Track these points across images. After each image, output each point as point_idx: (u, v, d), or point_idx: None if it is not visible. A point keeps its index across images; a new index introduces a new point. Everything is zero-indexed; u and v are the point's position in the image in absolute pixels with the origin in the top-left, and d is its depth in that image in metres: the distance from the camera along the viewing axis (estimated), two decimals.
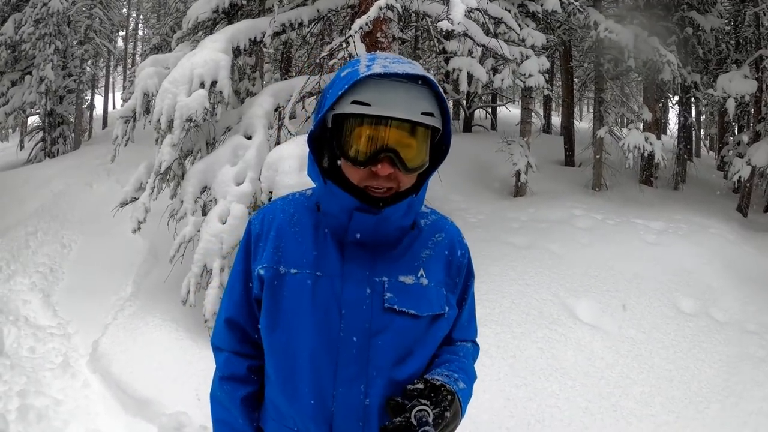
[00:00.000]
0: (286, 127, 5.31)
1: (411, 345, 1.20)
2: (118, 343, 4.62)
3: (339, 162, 1.16)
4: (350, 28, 4.77)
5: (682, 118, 11.09)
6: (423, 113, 1.10)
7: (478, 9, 4.01)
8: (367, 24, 3.94)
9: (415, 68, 1.11)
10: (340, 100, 1.11)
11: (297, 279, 1.19)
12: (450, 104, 15.21)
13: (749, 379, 4.21)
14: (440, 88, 1.15)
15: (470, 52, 6.48)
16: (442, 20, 3.70)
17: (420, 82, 1.12)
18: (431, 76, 1.12)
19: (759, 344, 4.60)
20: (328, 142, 1.19)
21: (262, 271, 1.22)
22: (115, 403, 3.93)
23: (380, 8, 3.81)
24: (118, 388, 4.05)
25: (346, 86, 1.08)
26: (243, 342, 1.31)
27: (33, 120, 16.13)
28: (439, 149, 1.22)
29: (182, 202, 4.98)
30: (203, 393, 3.70)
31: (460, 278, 1.31)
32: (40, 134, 15.24)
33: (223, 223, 4.54)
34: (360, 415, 1.16)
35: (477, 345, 1.43)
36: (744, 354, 4.48)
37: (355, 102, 1.09)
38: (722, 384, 4.13)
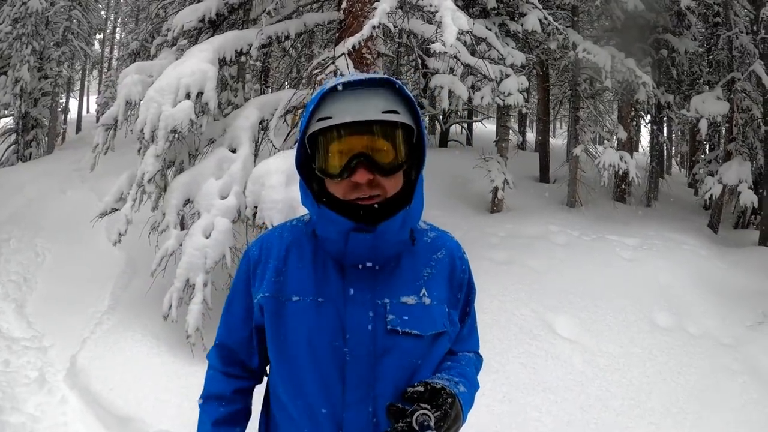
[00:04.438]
0: (271, 141, 5.31)
1: (415, 364, 1.21)
2: (97, 358, 4.52)
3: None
4: (336, 43, 4.81)
5: (655, 137, 11.39)
6: (384, 111, 1.12)
7: (467, 31, 4.09)
8: (360, 42, 3.98)
9: (377, 75, 1.15)
10: (310, 121, 1.15)
11: (299, 306, 1.19)
12: (426, 119, 15.35)
13: (725, 390, 4.34)
14: (405, 88, 1.16)
15: (452, 70, 6.58)
16: (434, 42, 3.75)
17: (383, 86, 1.14)
18: (394, 79, 1.15)
19: (733, 357, 4.74)
20: (310, 165, 1.20)
21: (262, 300, 1.23)
22: (94, 420, 3.83)
23: (373, 27, 3.86)
24: (98, 405, 3.96)
25: (315, 101, 1.13)
26: (232, 364, 1.35)
27: (6, 122, 15.75)
28: (420, 150, 1.22)
29: (164, 214, 4.93)
30: (187, 411, 3.66)
31: (461, 294, 1.32)
32: (13, 137, 14.90)
33: (207, 237, 4.50)
34: None
35: (480, 356, 1.44)
36: (719, 366, 4.61)
37: (320, 119, 1.13)
38: (699, 396, 4.25)
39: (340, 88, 1.12)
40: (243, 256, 1.34)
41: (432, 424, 1.06)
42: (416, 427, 1.05)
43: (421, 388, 1.13)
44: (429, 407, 1.09)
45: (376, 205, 1.15)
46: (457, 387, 1.19)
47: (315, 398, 1.18)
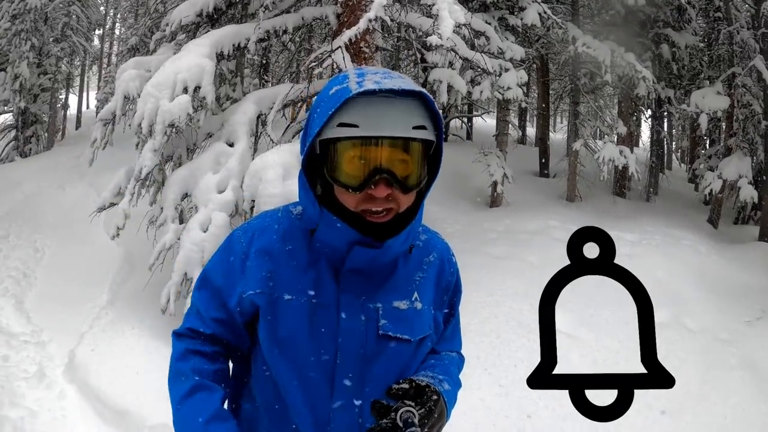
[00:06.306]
0: (268, 135, 5.31)
1: (403, 367, 1.22)
2: (96, 353, 4.53)
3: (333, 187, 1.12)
4: (334, 37, 4.80)
5: (655, 132, 11.37)
6: (414, 127, 1.05)
7: (465, 24, 4.08)
8: (356, 35, 3.97)
9: (408, 83, 1.06)
10: (327, 122, 1.05)
11: (292, 305, 1.16)
12: None
13: (722, 386, 4.33)
14: (434, 101, 1.10)
15: (451, 64, 6.56)
16: (431, 35, 3.74)
17: (413, 97, 1.07)
18: (425, 91, 1.08)
19: (731, 352, 4.74)
20: (318, 168, 1.13)
21: (254, 297, 1.18)
22: (93, 414, 3.84)
23: (370, 20, 3.85)
24: (97, 399, 3.96)
25: (337, 105, 1.02)
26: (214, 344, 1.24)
27: (5, 118, 15.76)
28: (432, 162, 1.17)
29: (162, 208, 4.93)
30: None
31: (447, 296, 1.32)
32: (13, 133, 14.93)
33: (205, 231, 4.50)
34: None
35: (462, 356, 1.44)
36: (716, 362, 4.60)
37: (341, 124, 1.04)
38: (696, 391, 4.25)
39: (374, 89, 1.01)
40: (227, 242, 1.27)
41: (416, 421, 1.04)
42: (400, 424, 1.03)
43: (405, 385, 1.11)
44: (413, 404, 1.08)
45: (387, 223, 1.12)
46: (441, 385, 1.18)
47: (303, 400, 1.17)
